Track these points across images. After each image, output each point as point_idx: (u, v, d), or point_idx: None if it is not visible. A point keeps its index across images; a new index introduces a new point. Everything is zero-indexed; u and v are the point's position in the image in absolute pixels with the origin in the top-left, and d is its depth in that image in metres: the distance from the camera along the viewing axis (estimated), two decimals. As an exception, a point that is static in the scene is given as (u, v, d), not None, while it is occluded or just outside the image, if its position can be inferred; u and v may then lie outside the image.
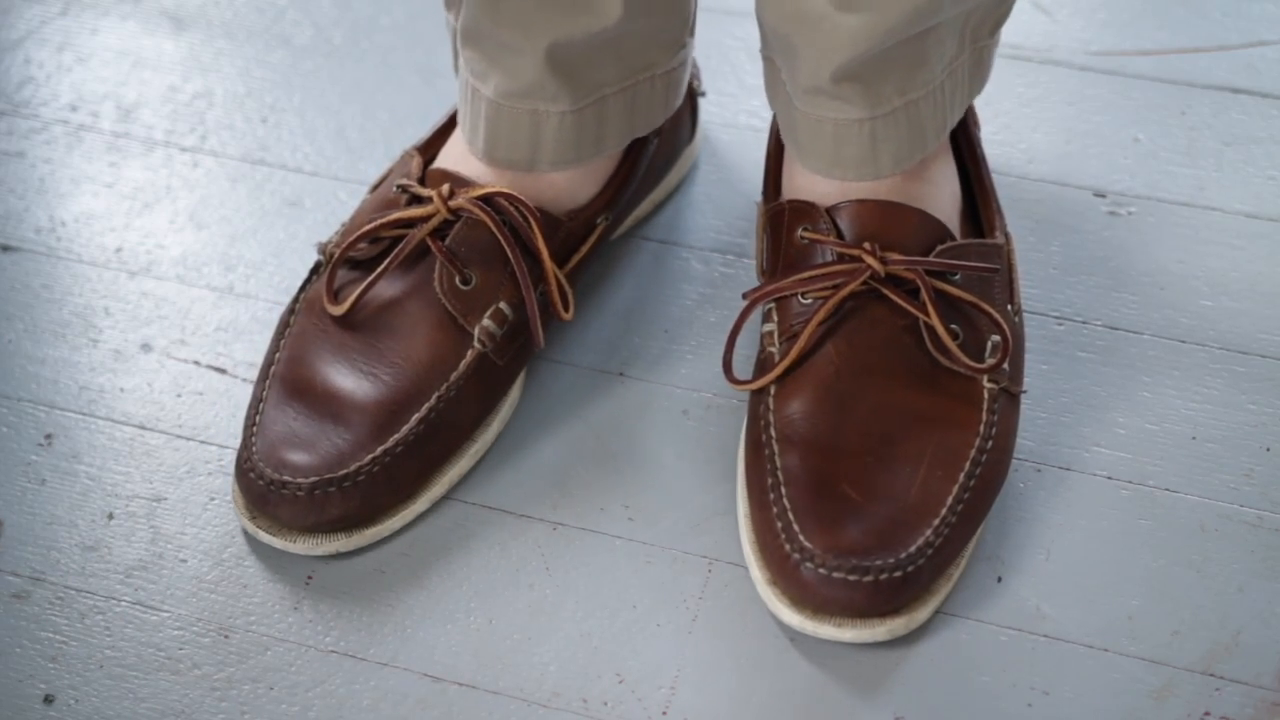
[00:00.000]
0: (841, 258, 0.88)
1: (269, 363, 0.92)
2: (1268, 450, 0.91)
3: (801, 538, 0.83)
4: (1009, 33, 1.12)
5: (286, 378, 0.90)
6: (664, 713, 0.83)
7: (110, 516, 0.92)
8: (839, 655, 0.84)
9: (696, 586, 0.87)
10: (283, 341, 0.92)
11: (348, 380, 0.89)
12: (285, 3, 1.19)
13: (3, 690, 0.85)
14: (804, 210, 0.90)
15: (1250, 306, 0.97)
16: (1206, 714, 0.82)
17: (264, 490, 0.87)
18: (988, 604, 0.86)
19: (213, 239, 1.05)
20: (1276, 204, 1.02)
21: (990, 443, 0.86)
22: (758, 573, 0.85)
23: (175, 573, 0.90)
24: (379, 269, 0.91)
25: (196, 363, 0.99)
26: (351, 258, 0.93)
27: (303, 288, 0.95)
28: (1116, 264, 1.00)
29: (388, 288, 0.92)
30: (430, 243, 0.91)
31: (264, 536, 0.88)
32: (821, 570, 0.82)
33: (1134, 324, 0.96)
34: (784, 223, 0.91)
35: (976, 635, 0.85)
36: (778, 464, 0.85)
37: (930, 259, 0.88)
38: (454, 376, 0.90)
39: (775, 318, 0.90)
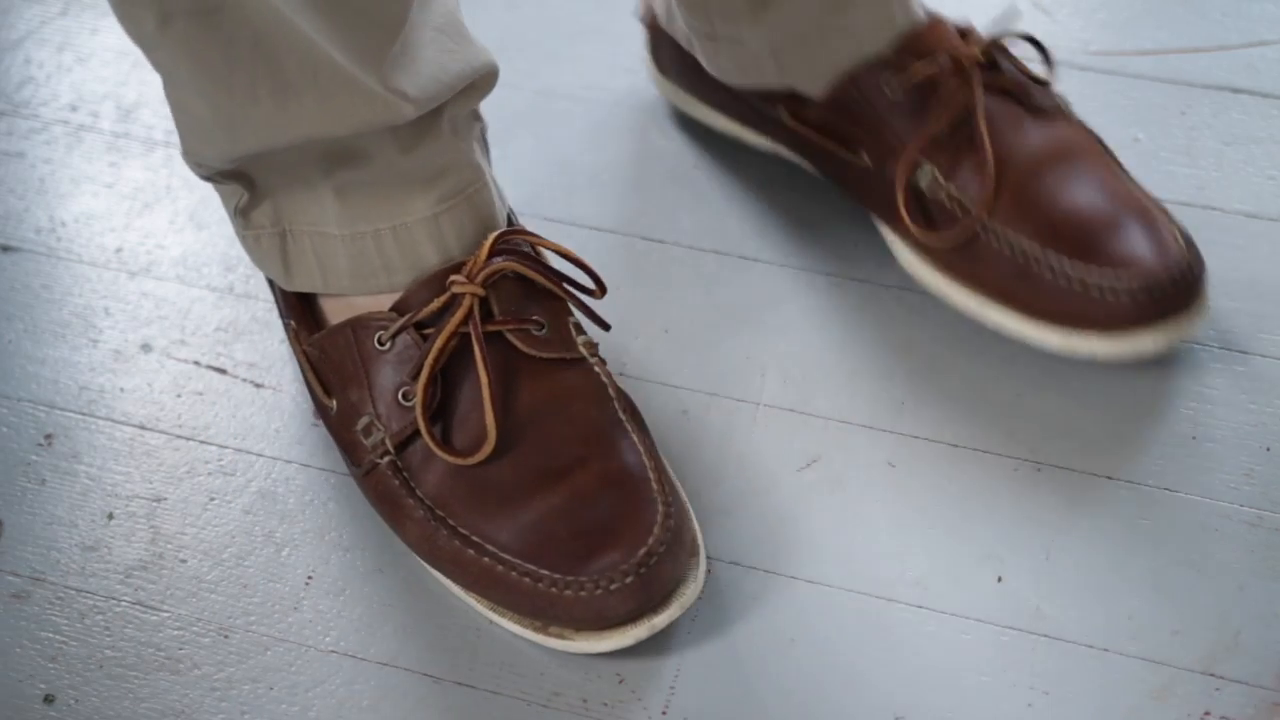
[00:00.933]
0: None
1: (459, 557, 0.84)
2: (1268, 450, 0.91)
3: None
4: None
5: (521, 544, 0.83)
6: (664, 713, 0.83)
7: (110, 516, 0.92)
8: (839, 655, 0.84)
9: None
10: (457, 530, 0.84)
11: (576, 499, 0.84)
12: None
13: (3, 690, 0.85)
14: None
15: (1250, 306, 0.97)
16: (1206, 714, 0.82)
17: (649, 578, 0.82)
18: (988, 604, 0.86)
19: (213, 239, 1.05)
20: (1276, 204, 1.02)
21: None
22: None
23: (175, 573, 0.90)
24: (486, 392, 0.84)
25: (196, 363, 0.99)
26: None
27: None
28: (1116, 264, 1.00)
29: (477, 393, 0.86)
30: (494, 326, 0.86)
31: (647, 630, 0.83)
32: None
33: (1134, 324, 0.96)
34: None
35: (976, 635, 0.85)
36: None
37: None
38: (610, 394, 0.88)
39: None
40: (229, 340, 1.00)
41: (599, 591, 0.81)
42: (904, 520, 0.89)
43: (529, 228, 1.02)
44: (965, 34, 0.97)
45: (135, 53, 1.16)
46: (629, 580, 0.81)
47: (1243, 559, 0.87)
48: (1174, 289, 0.90)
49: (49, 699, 0.85)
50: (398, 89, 0.83)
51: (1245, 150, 1.05)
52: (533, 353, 0.86)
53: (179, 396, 0.97)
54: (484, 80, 0.89)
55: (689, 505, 0.87)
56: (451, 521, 0.85)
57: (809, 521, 0.90)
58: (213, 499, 0.93)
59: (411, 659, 0.86)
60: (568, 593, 0.81)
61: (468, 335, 0.86)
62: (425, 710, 0.84)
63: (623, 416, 0.87)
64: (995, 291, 0.94)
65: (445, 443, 0.85)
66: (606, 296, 0.90)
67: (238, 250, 1.04)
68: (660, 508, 0.83)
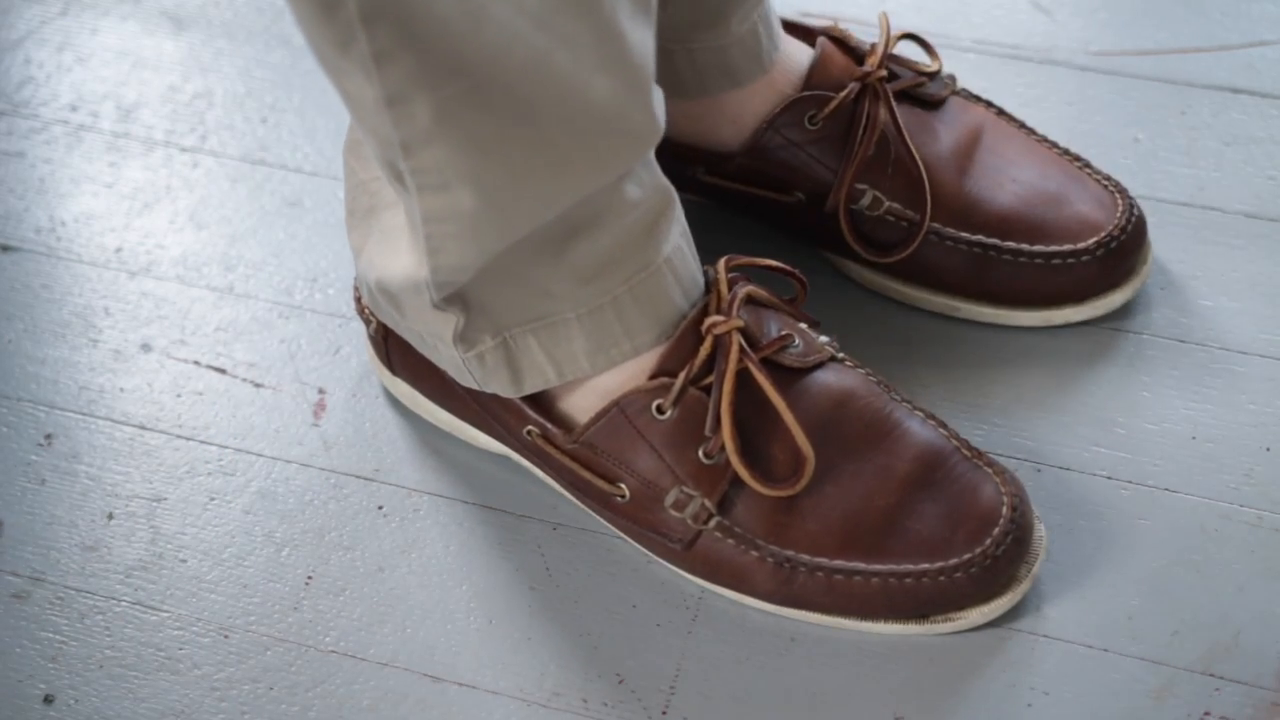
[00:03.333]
0: None
1: (834, 586, 0.84)
2: (1268, 450, 0.91)
3: None
4: (1009, 33, 1.12)
5: (895, 551, 0.84)
6: (664, 713, 0.83)
7: (110, 516, 0.92)
8: (839, 655, 0.84)
9: (696, 586, 0.87)
10: (823, 565, 0.84)
11: (909, 492, 0.85)
12: (285, 3, 1.19)
13: (3, 690, 0.85)
14: None
15: (1250, 306, 0.97)
16: (1206, 714, 0.82)
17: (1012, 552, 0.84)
18: (988, 604, 0.86)
19: (213, 239, 1.05)
20: (1276, 204, 1.02)
21: None
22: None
23: (175, 573, 0.90)
24: (789, 417, 0.83)
25: (196, 363, 0.99)
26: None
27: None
28: (1116, 264, 1.00)
29: (767, 415, 0.84)
30: (763, 354, 0.85)
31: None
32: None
33: (1134, 324, 0.96)
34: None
35: (976, 635, 0.85)
36: None
37: None
38: (874, 379, 0.88)
39: None
40: (229, 340, 1.00)
41: (989, 562, 0.83)
42: (904, 520, 0.89)
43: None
44: (853, 50, 0.97)
45: (135, 52, 1.16)
46: (1009, 539, 0.83)
47: (1243, 559, 0.87)
48: (1127, 236, 0.94)
49: (49, 699, 0.85)
50: (654, 105, 0.79)
51: (1245, 150, 1.05)
52: (798, 365, 0.86)
53: (179, 396, 0.97)
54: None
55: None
56: (805, 557, 0.84)
57: (809, 521, 0.90)
58: (213, 499, 0.93)
59: (411, 659, 0.86)
60: (958, 575, 0.83)
61: (740, 372, 0.83)
62: (425, 710, 0.84)
63: (897, 396, 0.87)
64: (960, 288, 0.95)
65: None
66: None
67: (238, 250, 1.04)
68: (983, 464, 0.85)
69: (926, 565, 0.83)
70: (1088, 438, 0.92)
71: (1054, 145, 0.99)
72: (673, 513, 0.85)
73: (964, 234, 0.94)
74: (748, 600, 0.85)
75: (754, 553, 0.84)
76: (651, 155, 0.82)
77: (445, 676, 0.85)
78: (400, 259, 0.83)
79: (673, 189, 0.85)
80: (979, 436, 0.92)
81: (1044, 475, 0.91)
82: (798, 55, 0.97)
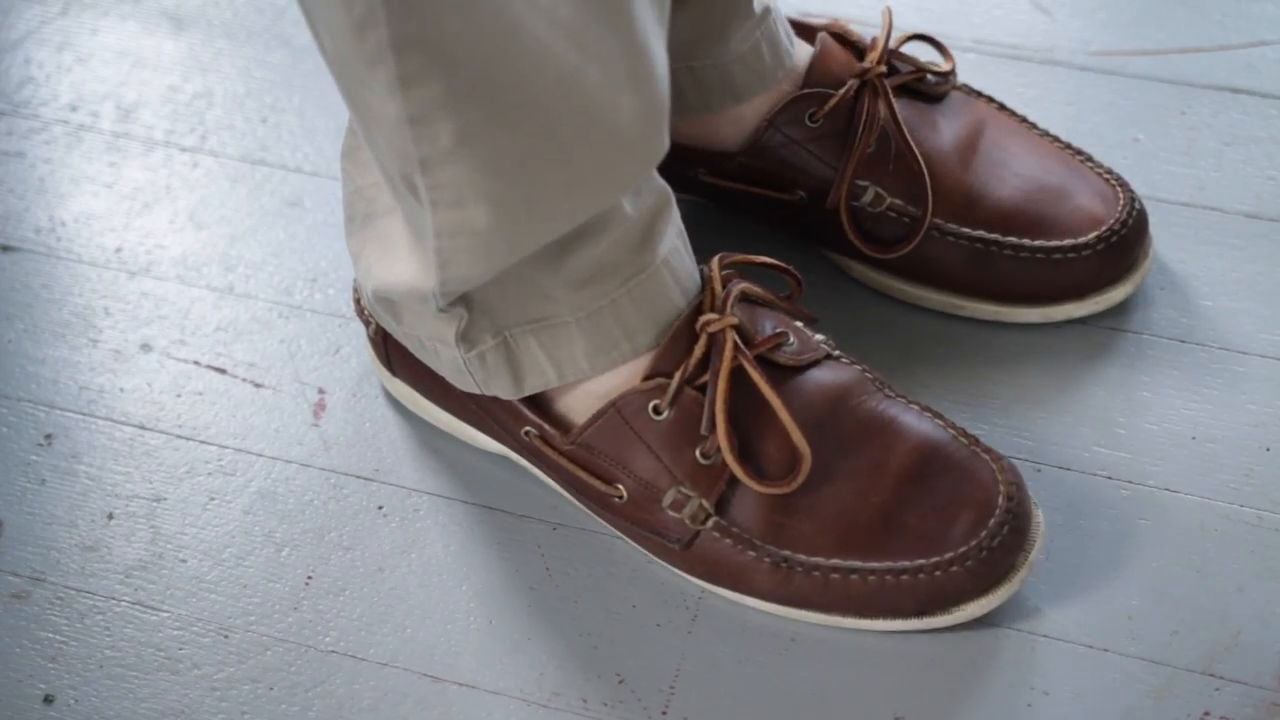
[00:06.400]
0: None
1: (847, 588, 0.84)
2: (1268, 450, 0.91)
3: None
4: (1009, 33, 1.12)
5: (897, 548, 0.83)
6: (664, 713, 0.83)
7: (110, 516, 0.92)
8: (839, 655, 0.84)
9: (696, 587, 0.87)
10: (821, 563, 0.84)
11: (907, 485, 0.84)
12: (285, 3, 1.19)
13: (3, 690, 0.85)
14: None
15: (1250, 306, 0.97)
16: (1206, 714, 0.82)
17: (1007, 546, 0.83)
18: (988, 604, 0.86)
19: (213, 239, 1.05)
20: (1276, 204, 1.02)
21: None
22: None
23: (175, 573, 0.90)
24: (785, 415, 0.82)
25: (196, 363, 0.99)
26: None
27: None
28: (1116, 264, 1.00)
29: (762, 413, 0.84)
30: (757, 351, 0.84)
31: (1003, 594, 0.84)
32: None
33: (1134, 324, 0.96)
34: None
35: (976, 635, 0.85)
36: None
37: None
38: (869, 376, 0.87)
39: None
40: (229, 340, 1.00)
41: (984, 554, 0.83)
42: (904, 520, 0.89)
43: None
44: (853, 45, 0.97)
45: (135, 52, 1.16)
46: (1006, 530, 0.83)
47: (1243, 559, 0.87)
48: (1128, 230, 0.94)
49: (49, 699, 0.85)
50: (666, 129, 0.78)
51: (1245, 150, 1.05)
52: (792, 363, 0.85)
53: (179, 396, 0.97)
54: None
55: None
56: (802, 557, 0.84)
57: (809, 521, 0.90)
58: (213, 499, 0.93)
59: (411, 659, 0.86)
60: (954, 569, 0.83)
61: (735, 370, 0.83)
62: (425, 710, 0.84)
63: (892, 392, 0.87)
64: (961, 284, 0.95)
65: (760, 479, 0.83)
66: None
67: (238, 250, 1.04)
68: (982, 454, 0.84)
69: (923, 561, 0.83)
70: (1088, 438, 0.92)
71: (1055, 139, 0.99)
72: (670, 513, 0.85)
73: (965, 229, 0.94)
74: (747, 600, 0.85)
75: (752, 553, 0.84)
76: None
77: (445, 676, 0.85)
78: (399, 267, 0.83)
79: (669, 189, 0.85)
80: (979, 436, 0.92)
81: (1044, 475, 0.91)
82: (798, 54, 0.97)
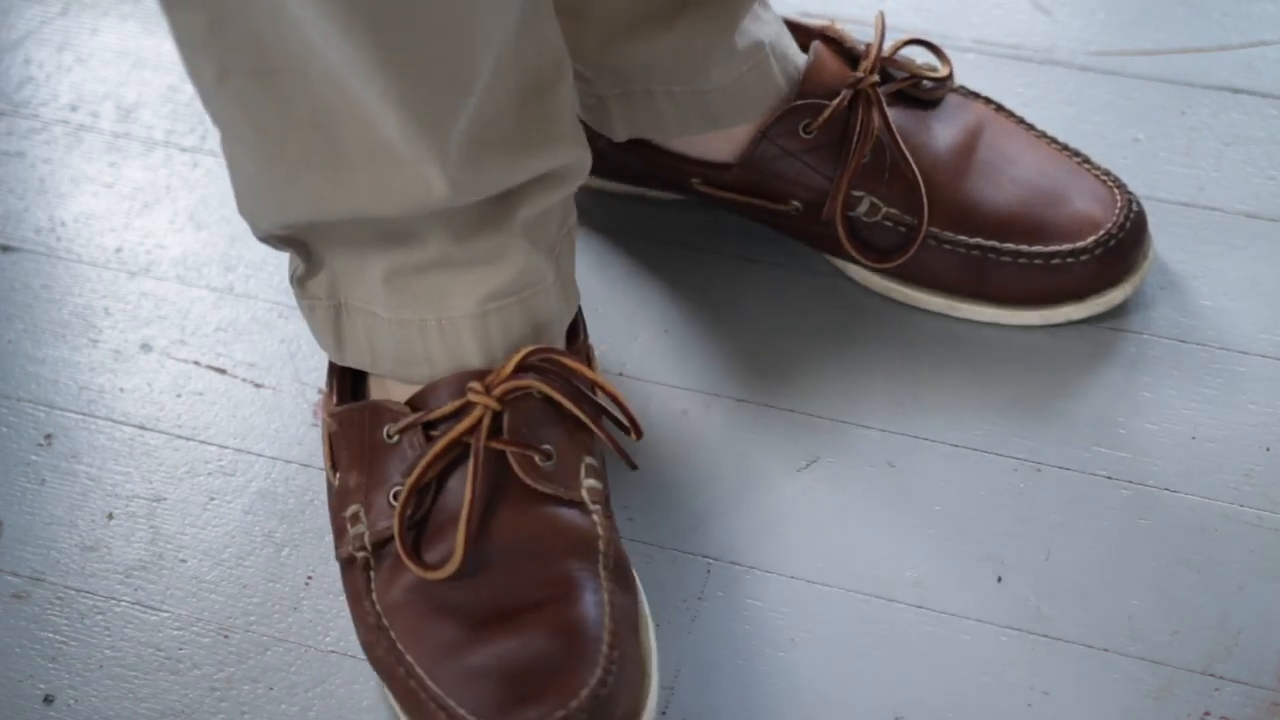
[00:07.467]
0: None
1: (392, 673, 0.80)
2: (1268, 450, 0.91)
3: None
4: (1009, 33, 1.12)
5: (446, 677, 0.78)
6: (664, 713, 0.83)
7: (110, 516, 0.92)
8: (839, 655, 0.84)
9: (696, 586, 0.87)
10: (394, 646, 0.80)
11: (516, 642, 0.78)
12: None
13: (3, 690, 0.85)
14: None
15: (1250, 306, 0.97)
16: (1206, 714, 0.82)
17: None
18: (988, 604, 0.86)
19: (213, 239, 1.05)
20: (1276, 204, 1.02)
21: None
22: None
23: (175, 573, 0.90)
24: (464, 512, 0.79)
25: (196, 363, 0.99)
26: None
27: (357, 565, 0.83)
28: (1116, 264, 1.00)
29: (459, 510, 0.80)
30: (498, 445, 0.80)
31: None
32: None
33: (1134, 324, 0.96)
34: None
35: (976, 635, 0.85)
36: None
37: None
38: (600, 547, 0.81)
39: None
40: (229, 340, 1.00)
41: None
42: (904, 520, 0.89)
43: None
44: (848, 52, 0.97)
45: (135, 52, 1.16)
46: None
47: (1243, 559, 0.87)
48: (1126, 233, 0.94)
49: (49, 699, 0.85)
50: (455, 170, 0.78)
51: (1245, 150, 1.05)
52: (529, 482, 0.81)
53: (179, 396, 0.97)
54: (568, 171, 0.84)
55: (652, 681, 0.80)
56: (393, 635, 0.80)
57: (809, 521, 0.90)
58: (213, 499, 0.93)
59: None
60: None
61: (469, 446, 0.80)
62: (425, 710, 0.84)
63: (604, 573, 0.80)
64: (959, 289, 0.95)
65: (417, 551, 0.80)
66: (610, 298, 0.90)
67: (238, 250, 1.04)
68: (599, 672, 0.76)
69: (465, 712, 0.76)
70: (1088, 438, 0.92)
71: (1053, 141, 0.99)
72: (347, 524, 0.83)
73: (962, 237, 0.94)
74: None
75: (367, 604, 0.82)
76: (504, 222, 0.82)
77: (445, 676, 0.85)
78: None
79: (545, 271, 0.84)
80: (979, 436, 0.92)
81: (1044, 475, 0.91)
82: (794, 66, 0.97)
